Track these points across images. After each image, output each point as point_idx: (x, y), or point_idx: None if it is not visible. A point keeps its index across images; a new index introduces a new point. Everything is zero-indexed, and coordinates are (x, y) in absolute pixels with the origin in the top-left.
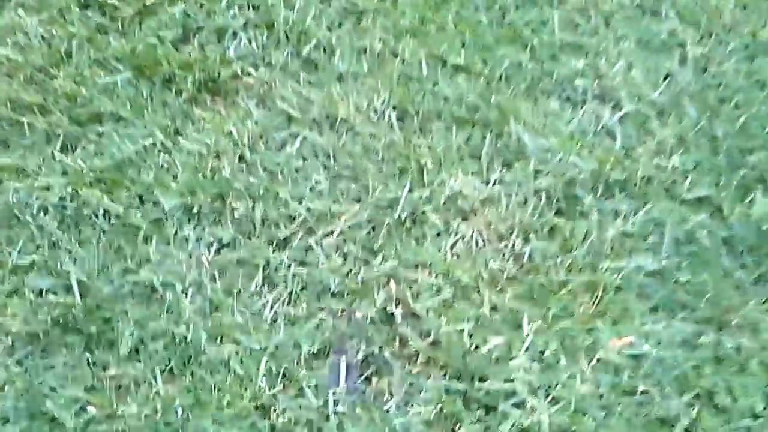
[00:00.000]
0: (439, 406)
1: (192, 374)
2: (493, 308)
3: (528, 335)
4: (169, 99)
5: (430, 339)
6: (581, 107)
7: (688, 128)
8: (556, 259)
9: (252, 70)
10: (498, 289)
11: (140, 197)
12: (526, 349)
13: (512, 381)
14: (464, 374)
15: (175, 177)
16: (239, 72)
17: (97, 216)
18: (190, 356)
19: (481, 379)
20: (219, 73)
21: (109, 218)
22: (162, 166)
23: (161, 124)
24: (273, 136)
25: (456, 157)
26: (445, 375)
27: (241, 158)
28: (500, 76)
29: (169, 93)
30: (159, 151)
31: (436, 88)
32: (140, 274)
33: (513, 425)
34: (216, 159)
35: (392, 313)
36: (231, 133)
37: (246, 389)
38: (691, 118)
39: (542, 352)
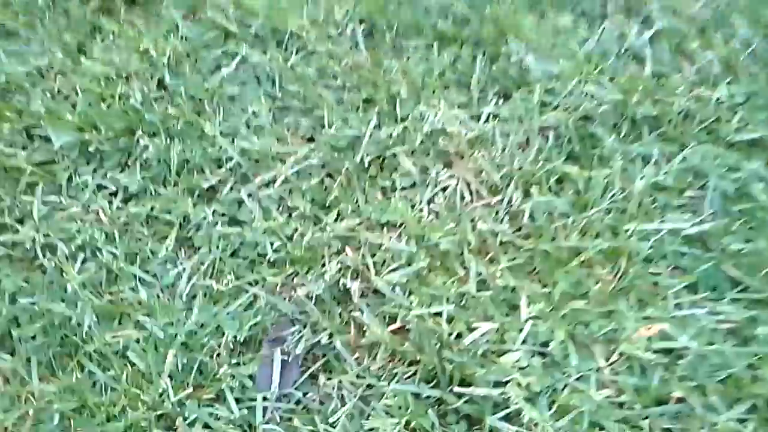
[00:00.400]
0: (405, 418)
1: (79, 368)
2: (482, 284)
3: (527, 321)
4: (72, 8)
5: (397, 325)
6: (600, 23)
7: (737, 51)
8: (565, 219)
9: None
10: (488, 258)
11: (27, 132)
12: (524, 341)
13: (504, 384)
14: (440, 374)
15: (73, 107)
16: None
17: None
18: (77, 345)
19: (463, 382)
20: None
21: None
22: (58, 92)
23: (61, 40)
24: (203, 56)
25: (438, 84)
26: (414, 375)
27: (160, 83)
28: None
29: (74, 0)
30: (56, 74)
31: None
32: (19, 233)
33: None
34: (126, 83)
35: (347, 290)
36: (148, 51)
37: (146, 392)
38: (742, 38)
39: (545, 344)
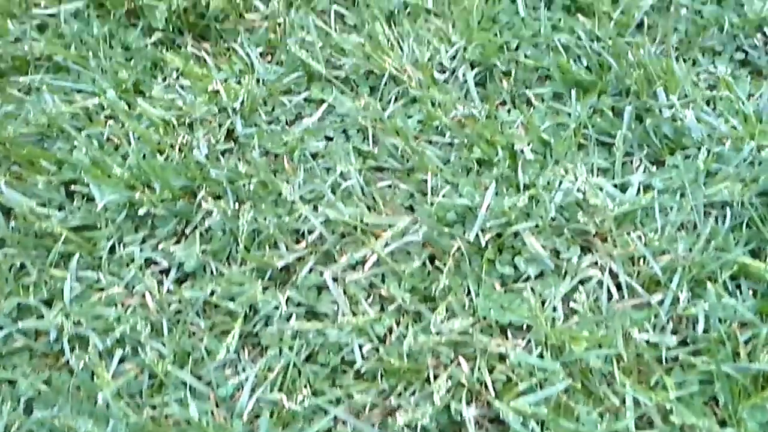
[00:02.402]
0: None
1: None
2: (642, 420)
3: None
4: (132, 40)
5: None
6: None
7: None
8: (751, 330)
9: (259, 3)
10: (650, 383)
11: (66, 186)
12: None
13: None
14: None
15: (123, 158)
16: (240, 4)
17: None
18: None
19: None
20: (209, 6)
21: (12, 219)
22: (108, 139)
23: (116, 77)
24: (282, 102)
25: (570, 143)
26: None
27: (229, 134)
28: (639, 23)
29: (134, 31)
30: (106, 117)
31: (539, 32)
32: (44, 319)
33: None
34: (189, 132)
35: (460, 418)
36: (217, 93)
37: None
38: None
39: None
